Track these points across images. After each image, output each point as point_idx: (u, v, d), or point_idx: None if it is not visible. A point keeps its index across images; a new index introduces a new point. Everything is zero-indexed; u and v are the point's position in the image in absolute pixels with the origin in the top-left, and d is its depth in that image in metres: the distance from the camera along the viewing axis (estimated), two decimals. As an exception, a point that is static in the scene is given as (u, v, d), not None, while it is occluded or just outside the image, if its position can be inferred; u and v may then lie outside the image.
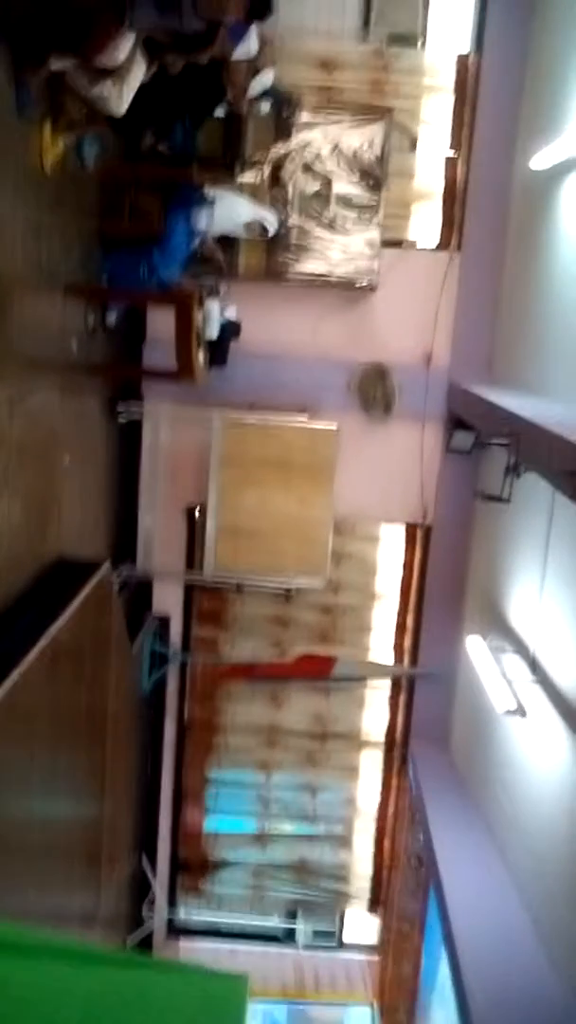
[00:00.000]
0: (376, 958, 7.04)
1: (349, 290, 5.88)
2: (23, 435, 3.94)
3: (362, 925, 7.26)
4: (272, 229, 5.54)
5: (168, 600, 6.58)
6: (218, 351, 5.45)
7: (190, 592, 6.59)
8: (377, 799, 6.96)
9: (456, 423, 5.94)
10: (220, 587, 6.47)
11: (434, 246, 6.12)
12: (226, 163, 5.43)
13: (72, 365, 4.66)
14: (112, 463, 5.69)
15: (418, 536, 6.45)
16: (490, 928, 4.66)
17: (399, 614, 6.66)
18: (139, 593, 6.37)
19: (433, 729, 6.64)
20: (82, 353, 4.76)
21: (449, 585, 6.42)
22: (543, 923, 4.47)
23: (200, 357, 4.95)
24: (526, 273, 5.45)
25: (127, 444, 5.96)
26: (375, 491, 6.27)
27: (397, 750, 6.80)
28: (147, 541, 6.21)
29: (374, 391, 6.02)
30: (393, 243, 6.00)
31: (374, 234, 5.71)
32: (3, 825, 3.60)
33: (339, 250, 5.70)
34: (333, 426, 5.83)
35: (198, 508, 6.15)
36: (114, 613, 5.27)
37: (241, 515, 5.86)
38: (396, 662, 6.66)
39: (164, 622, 6.56)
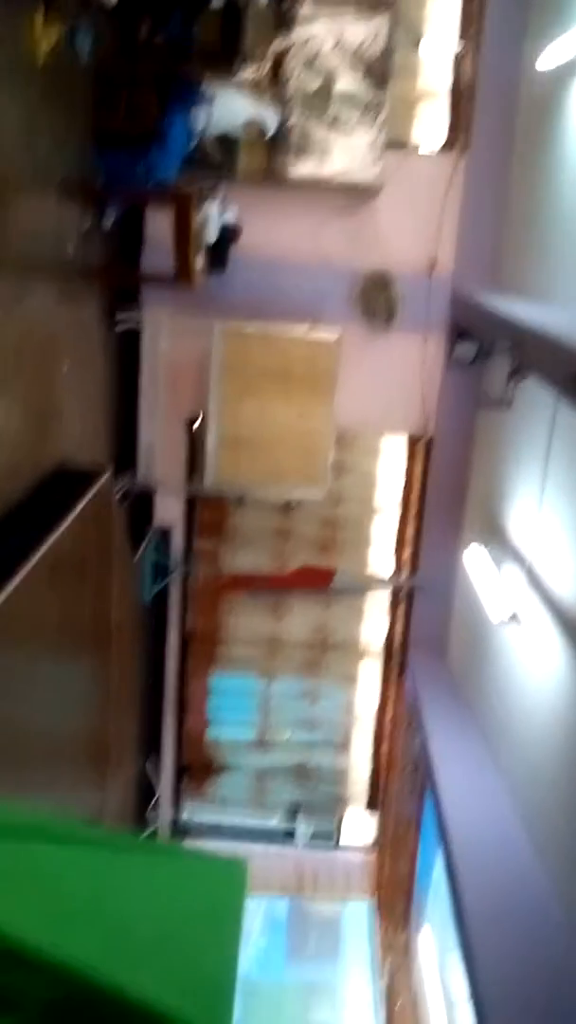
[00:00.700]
0: (373, 857, 7.28)
1: (351, 193, 5.72)
2: (20, 340, 3.89)
3: (360, 826, 7.50)
4: (272, 129, 5.36)
5: (169, 512, 6.59)
6: (217, 255, 5.33)
7: (191, 504, 6.60)
8: (375, 706, 7.11)
9: (459, 333, 5.85)
10: (221, 499, 6.48)
11: (439, 148, 5.93)
12: (225, 58, 5.22)
13: (68, 269, 4.56)
14: (111, 372, 5.63)
15: (419, 448, 6.42)
16: (483, 829, 4.79)
17: (399, 526, 6.69)
18: (140, 505, 6.38)
19: (431, 639, 6.73)
20: (79, 256, 4.65)
21: (449, 497, 6.42)
22: (535, 826, 4.60)
23: (199, 261, 4.85)
24: (533, 177, 5.29)
25: (126, 353, 5.88)
26: (376, 402, 6.22)
27: (395, 659, 6.91)
28: (148, 452, 6.19)
29: (376, 300, 5.91)
30: (397, 145, 5.81)
31: (377, 135, 5.52)
32: (10, 728, 3.67)
33: (341, 151, 5.52)
34: (334, 336, 5.74)
35: (199, 419, 6.11)
36: (115, 523, 5.29)
37: (242, 426, 5.81)
38: (395, 574, 6.71)
39: (165, 534, 6.58)
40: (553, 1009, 3.69)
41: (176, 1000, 1.70)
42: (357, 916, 6.96)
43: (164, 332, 5.92)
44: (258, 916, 6.76)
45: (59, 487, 4.33)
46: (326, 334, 5.77)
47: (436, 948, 5.90)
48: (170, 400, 6.16)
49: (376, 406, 6.24)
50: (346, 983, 6.45)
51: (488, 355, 5.55)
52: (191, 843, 7.36)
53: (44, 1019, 1.72)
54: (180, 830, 7.40)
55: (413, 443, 6.45)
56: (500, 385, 4.95)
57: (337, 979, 6.48)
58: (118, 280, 5.67)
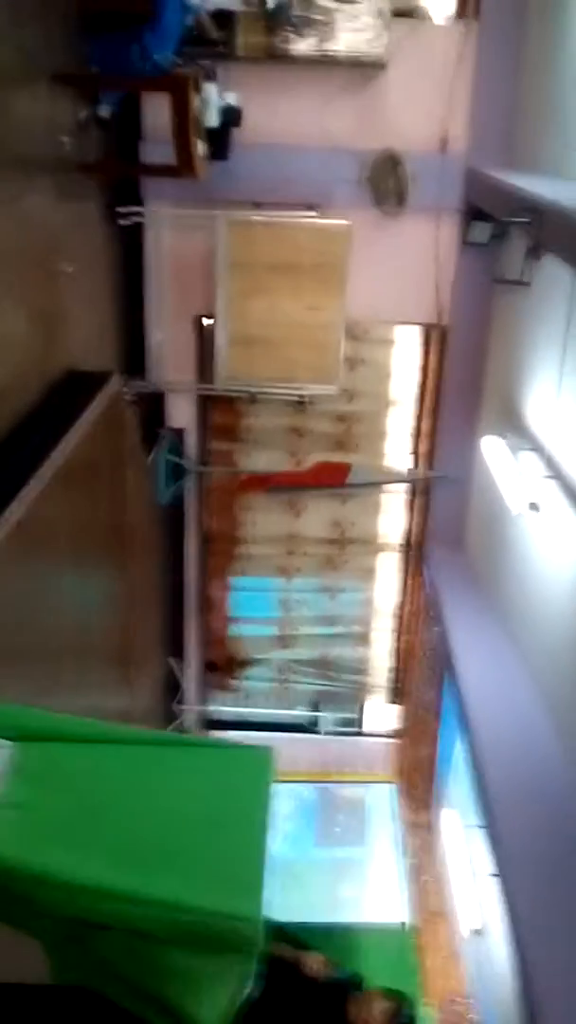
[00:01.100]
0: (396, 743, 7.48)
1: (357, 69, 5.43)
2: (19, 241, 3.77)
3: (382, 714, 7.69)
4: (272, 1, 5.05)
5: (182, 414, 6.52)
6: (218, 142, 5.11)
7: (203, 405, 6.52)
8: (395, 599, 7.18)
9: (473, 214, 5.64)
10: (233, 399, 6.40)
11: (449, 17, 5.59)
12: None
13: (66, 164, 4.38)
14: (115, 272, 5.49)
15: (434, 338, 6.28)
16: (504, 713, 4.89)
17: (414, 419, 6.61)
18: (152, 408, 6.31)
19: (449, 531, 6.74)
20: (75, 150, 4.47)
21: (465, 387, 6.31)
22: (556, 708, 4.68)
23: (200, 148, 4.64)
24: (548, 45, 4.99)
25: (130, 252, 5.71)
26: (389, 291, 6.04)
27: (413, 552, 6.94)
28: (157, 353, 6.09)
29: (386, 182, 5.67)
30: (404, 13, 5.47)
31: (384, 3, 5.19)
32: (35, 632, 3.73)
33: (346, 23, 5.20)
34: (344, 224, 5.54)
35: (207, 317, 5.98)
36: (128, 426, 5.25)
37: (251, 322, 5.68)
38: (412, 467, 6.67)
39: (179, 436, 6.54)
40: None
41: (206, 890, 1.76)
42: (381, 799, 7.20)
43: (168, 227, 5.74)
44: (286, 801, 7.00)
45: (69, 392, 4.28)
46: (335, 222, 5.58)
47: (459, 827, 6.11)
48: (177, 298, 6.02)
49: (389, 295, 6.06)
50: (373, 861, 6.72)
51: (503, 235, 5.35)
52: (218, 735, 7.58)
53: (79, 927, 1.79)
54: (207, 725, 7.61)
55: (428, 333, 6.30)
56: (516, 266, 4.80)
57: (364, 858, 6.75)
58: (117, 173, 5.46)
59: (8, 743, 1.81)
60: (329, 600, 7.16)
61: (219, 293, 5.65)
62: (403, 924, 6.22)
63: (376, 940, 6.19)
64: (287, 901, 5.98)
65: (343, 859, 6.74)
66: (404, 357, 6.45)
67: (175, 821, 1.89)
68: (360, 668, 7.40)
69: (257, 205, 5.63)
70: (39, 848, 1.75)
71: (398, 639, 7.31)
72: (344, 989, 2.45)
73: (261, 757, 2.17)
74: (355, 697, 7.62)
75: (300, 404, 6.36)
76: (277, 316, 5.64)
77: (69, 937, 1.81)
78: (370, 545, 6.98)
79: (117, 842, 1.80)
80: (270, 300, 5.64)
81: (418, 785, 7.18)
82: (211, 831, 1.90)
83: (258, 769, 2.12)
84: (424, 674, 6.78)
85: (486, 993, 5.36)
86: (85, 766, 1.97)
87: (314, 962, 2.49)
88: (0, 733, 1.91)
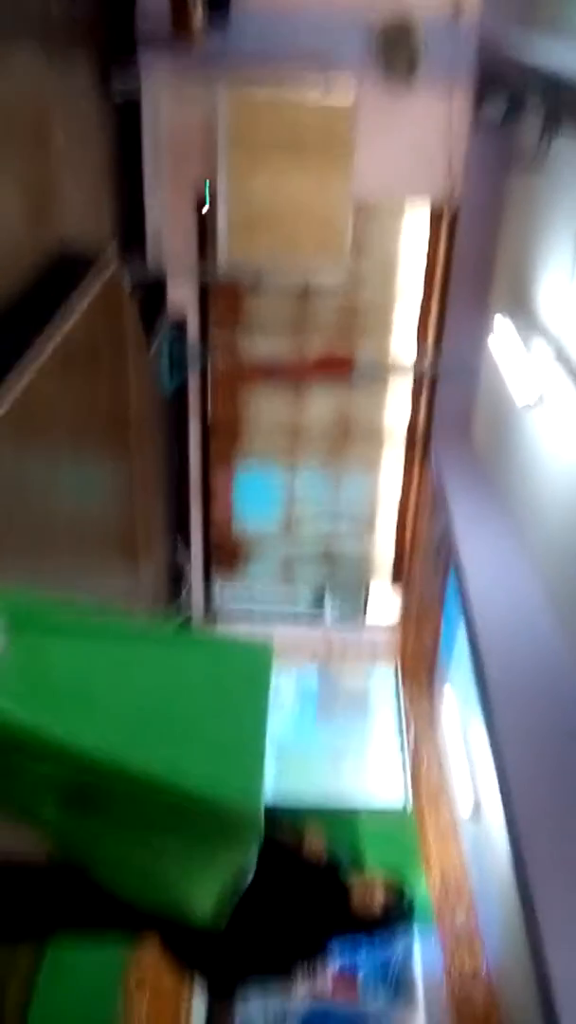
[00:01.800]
0: (398, 632, 7.59)
1: None
2: (7, 110, 3.58)
3: (385, 605, 7.78)
4: None
5: (182, 301, 6.36)
6: (218, 6, 4.81)
7: (205, 292, 6.35)
8: (399, 491, 7.16)
9: (488, 87, 5.35)
10: (236, 285, 6.22)
11: None
12: None
13: (55, 29, 4.13)
14: (111, 147, 5.25)
15: (443, 222, 6.05)
16: (506, 602, 4.92)
17: (422, 308, 6.43)
18: (151, 295, 6.14)
19: (455, 424, 6.66)
20: (65, 14, 4.20)
21: (475, 273, 6.12)
22: (559, 600, 4.70)
23: (198, 11, 4.37)
24: None
25: (126, 125, 5.46)
26: (398, 169, 5.78)
27: (419, 444, 6.87)
28: (156, 235, 5.88)
29: (396, 50, 5.36)
30: None
31: None
32: (36, 515, 3.71)
33: None
34: (351, 97, 5.26)
35: (208, 196, 5.75)
36: (126, 311, 5.11)
37: (254, 201, 5.45)
38: (418, 358, 6.53)
39: (180, 324, 6.39)
40: (571, 769, 3.91)
41: (208, 777, 1.77)
42: (383, 685, 7.35)
43: (165, 99, 5.46)
44: (289, 687, 7.14)
45: (64, 274, 4.14)
46: (342, 94, 5.29)
47: (458, 713, 6.24)
48: (176, 176, 5.78)
49: (398, 173, 5.81)
50: (373, 746, 6.89)
51: (519, 111, 5.09)
52: (221, 628, 7.69)
53: (76, 807, 1.81)
54: (210, 615, 7.71)
55: (437, 217, 6.07)
56: (532, 144, 4.58)
57: (364, 743, 6.92)
58: (110, 39, 5.16)
59: (2, 631, 1.79)
60: (333, 491, 7.14)
61: (220, 171, 5.41)
62: (403, 806, 6.41)
63: (376, 822, 6.40)
64: (287, 784, 6.16)
65: (343, 744, 6.90)
66: (412, 245, 6.23)
67: (176, 711, 1.91)
68: (364, 558, 7.44)
69: (259, 76, 5.33)
70: (42, 721, 1.75)
71: (401, 530, 7.32)
72: (344, 873, 2.50)
73: (260, 652, 2.17)
74: (358, 586, 7.70)
75: (305, 292, 6.19)
76: (281, 194, 5.41)
77: (66, 820, 1.83)
78: (375, 436, 6.91)
79: (117, 725, 1.81)
80: (274, 178, 5.40)
81: (419, 673, 7.31)
82: (211, 722, 1.92)
83: (257, 664, 2.13)
84: (427, 564, 6.81)
85: (483, 873, 5.57)
86: (85, 657, 1.96)
87: (314, 846, 2.54)
88: None
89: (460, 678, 6.15)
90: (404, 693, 7.25)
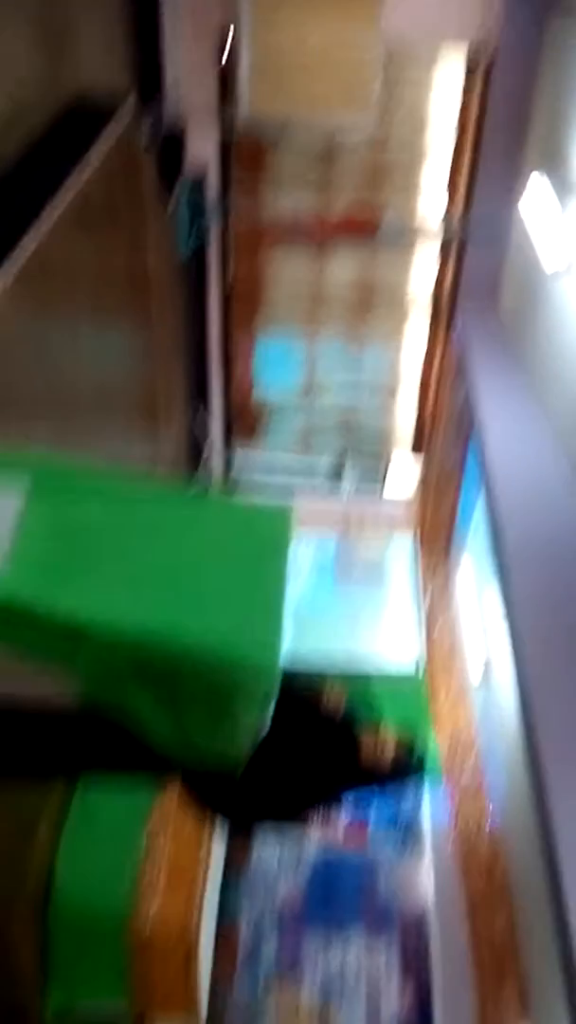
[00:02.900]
0: (416, 501, 7.61)
1: None
2: None
3: (404, 474, 7.78)
4: None
5: (203, 156, 6.09)
6: None
7: (226, 147, 6.07)
8: (422, 359, 7.03)
9: None
10: (258, 139, 5.94)
11: None
12: None
13: None
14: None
15: (478, 71, 5.69)
16: (526, 470, 4.88)
17: (451, 166, 6.14)
18: (170, 150, 5.87)
19: (482, 289, 6.45)
20: None
21: (508, 130, 5.78)
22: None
23: None
24: None
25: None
26: (428, 11, 5.40)
27: (444, 311, 6.69)
28: (175, 84, 5.58)
29: None
30: None
31: None
32: (54, 378, 3.68)
33: None
34: None
35: (229, 40, 5.42)
36: (145, 168, 4.91)
37: (278, 45, 5.12)
38: (446, 219, 6.28)
39: (199, 181, 6.14)
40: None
41: (227, 631, 1.81)
42: (400, 553, 7.42)
43: None
44: (307, 555, 7.24)
45: (79, 126, 3.95)
46: None
47: (474, 579, 6.33)
48: (196, 22, 5.44)
49: (429, 15, 5.43)
50: (389, 611, 7.02)
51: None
52: (240, 496, 7.73)
53: (99, 662, 1.86)
54: (230, 484, 7.75)
55: (471, 67, 5.70)
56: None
57: (380, 608, 7.05)
58: None
59: (19, 492, 1.79)
60: (355, 354, 7.02)
61: (243, 15, 5.07)
62: (416, 670, 6.59)
63: (389, 684, 6.59)
64: (303, 647, 6.32)
65: (360, 606, 7.04)
66: (443, 98, 5.88)
67: (194, 571, 1.93)
68: (384, 428, 7.39)
69: None
70: (59, 587, 1.78)
71: (423, 399, 7.23)
72: (358, 727, 2.58)
73: (280, 516, 2.17)
74: (378, 455, 7.68)
75: (330, 147, 5.90)
76: (306, 37, 5.08)
77: (92, 669, 1.87)
78: (399, 302, 6.73)
79: (136, 583, 1.83)
80: (299, 17, 5.06)
81: (437, 541, 7.37)
82: (229, 582, 1.94)
83: (277, 528, 2.13)
84: (448, 433, 6.76)
85: (491, 733, 5.77)
86: (104, 518, 1.97)
87: (331, 700, 2.60)
88: (13, 479, 1.89)
89: (477, 547, 6.21)
90: (421, 561, 7.33)
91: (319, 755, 2.45)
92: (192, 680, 1.82)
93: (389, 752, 2.46)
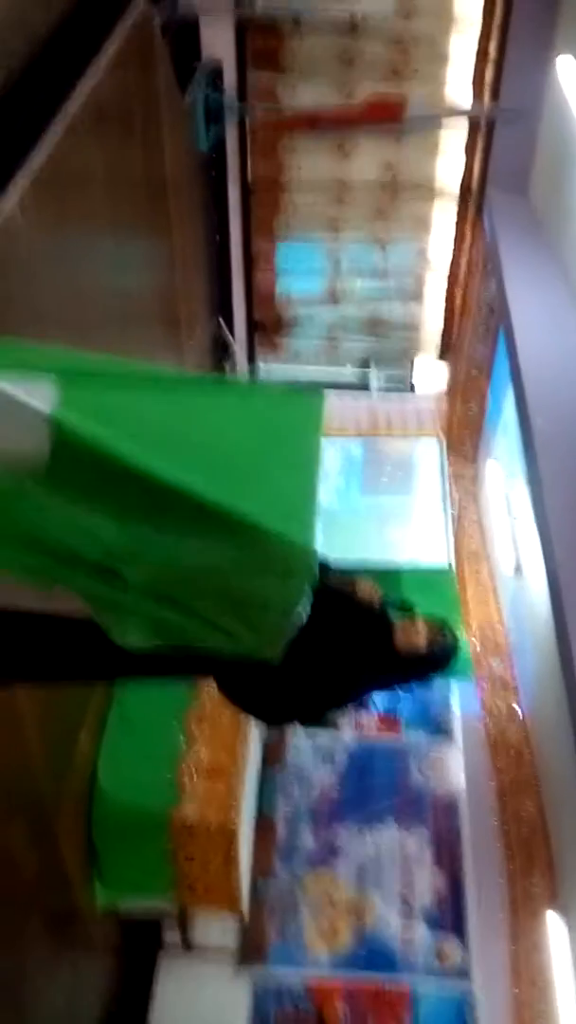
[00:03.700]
0: (444, 400, 7.54)
1: None
2: None
3: (432, 372, 7.67)
4: None
5: (218, 44, 5.85)
6: None
7: (242, 33, 5.81)
8: (450, 251, 6.83)
9: None
10: (275, 22, 5.67)
11: None
12: None
13: None
14: None
15: None
16: (558, 365, 4.81)
17: (479, 42, 5.82)
18: (184, 39, 5.63)
19: (512, 175, 6.20)
20: None
21: (539, 9, 5.46)
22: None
23: None
24: None
25: None
26: None
27: (473, 199, 6.45)
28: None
29: None
30: None
31: None
32: (74, 290, 3.64)
33: None
34: None
35: None
36: (160, 62, 4.72)
37: None
38: (475, 99, 6.00)
39: (216, 71, 5.91)
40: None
41: (261, 512, 1.83)
42: (428, 452, 7.37)
43: None
44: (335, 456, 7.22)
45: (88, 15, 3.79)
46: None
47: (502, 477, 6.32)
48: None
49: None
50: (417, 509, 7.03)
51: None
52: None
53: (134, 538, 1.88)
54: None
55: None
56: None
57: (409, 506, 7.06)
58: None
59: (54, 383, 1.79)
60: (380, 253, 6.84)
61: None
62: (447, 564, 6.65)
63: (420, 578, 6.64)
64: (334, 544, 6.37)
65: (388, 507, 7.06)
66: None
67: (229, 451, 1.92)
68: (411, 325, 7.26)
69: None
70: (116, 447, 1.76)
71: (451, 294, 7.06)
72: (392, 616, 2.62)
73: (312, 402, 2.17)
74: (405, 355, 7.57)
75: (350, 26, 5.63)
76: None
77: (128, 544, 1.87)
78: (425, 191, 6.51)
79: (173, 460, 1.82)
80: None
81: (465, 440, 7.33)
82: (264, 463, 1.94)
83: (308, 413, 2.13)
84: (477, 330, 6.63)
85: (520, 625, 5.86)
86: (136, 403, 1.96)
87: (366, 589, 2.64)
88: (44, 372, 1.88)
89: (506, 444, 6.17)
90: (450, 460, 7.30)
91: (355, 645, 2.50)
92: (231, 554, 1.84)
93: (423, 639, 2.51)
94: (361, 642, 2.52)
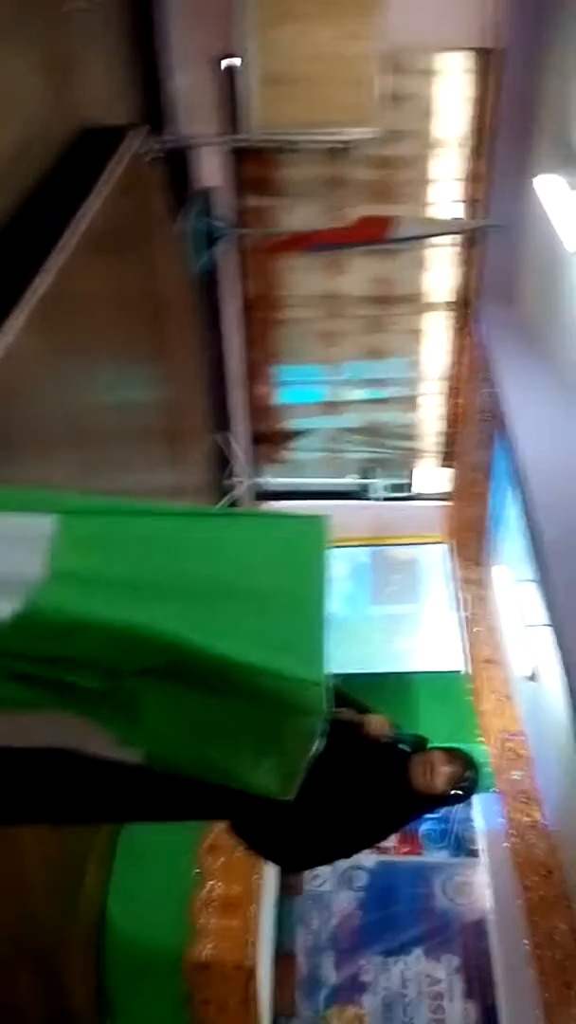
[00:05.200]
0: (447, 505, 7.54)
1: None
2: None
3: (433, 477, 7.71)
4: None
5: (211, 172, 6.07)
6: None
7: (234, 160, 6.05)
8: (444, 361, 6.96)
9: None
10: (266, 150, 5.91)
11: None
12: None
13: None
14: (124, 11, 4.91)
15: (488, 66, 5.62)
16: (559, 465, 4.80)
17: (463, 161, 6.07)
18: (177, 168, 5.86)
19: (501, 285, 6.37)
20: None
21: (519, 122, 5.68)
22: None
23: None
24: None
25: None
26: (433, 11, 5.35)
27: (463, 310, 6.62)
28: (179, 102, 5.56)
29: None
30: None
31: None
32: (75, 411, 3.67)
33: None
34: None
35: (232, 57, 5.40)
36: (153, 188, 4.91)
37: (281, 59, 5.10)
38: (460, 216, 6.21)
39: (209, 196, 6.12)
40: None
41: (271, 653, 1.76)
42: (434, 558, 7.36)
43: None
44: (341, 564, 7.19)
45: (86, 152, 3.94)
46: None
47: (510, 580, 6.24)
48: (196, 38, 5.42)
49: (433, 16, 5.37)
50: (427, 616, 6.96)
51: None
52: (270, 506, 7.69)
53: (141, 684, 1.82)
54: (258, 497, 7.71)
55: (479, 62, 5.63)
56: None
57: (419, 613, 6.99)
58: None
59: (53, 517, 1.76)
60: (376, 364, 6.96)
61: (244, 25, 5.04)
62: (459, 671, 6.52)
63: (433, 687, 6.52)
64: (345, 655, 6.28)
65: (399, 615, 6.98)
66: (451, 92, 5.83)
67: (233, 587, 1.88)
68: (410, 433, 7.32)
69: None
70: (101, 604, 1.74)
71: (448, 402, 7.15)
72: (406, 750, 2.51)
73: (315, 526, 2.14)
74: (405, 462, 7.61)
75: (339, 151, 5.86)
76: (309, 49, 5.05)
77: (133, 703, 1.82)
78: (417, 304, 6.67)
79: (178, 601, 1.79)
80: (301, 30, 5.03)
81: (470, 544, 7.30)
82: (270, 597, 1.90)
83: (313, 538, 2.09)
84: (475, 435, 6.68)
85: (540, 732, 5.68)
86: (138, 536, 1.94)
87: (377, 723, 2.54)
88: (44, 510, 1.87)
89: (512, 546, 6.12)
90: (456, 564, 7.26)
91: (368, 783, 2.39)
92: (240, 696, 1.77)
93: (441, 779, 2.40)
94: (374, 780, 2.42)
